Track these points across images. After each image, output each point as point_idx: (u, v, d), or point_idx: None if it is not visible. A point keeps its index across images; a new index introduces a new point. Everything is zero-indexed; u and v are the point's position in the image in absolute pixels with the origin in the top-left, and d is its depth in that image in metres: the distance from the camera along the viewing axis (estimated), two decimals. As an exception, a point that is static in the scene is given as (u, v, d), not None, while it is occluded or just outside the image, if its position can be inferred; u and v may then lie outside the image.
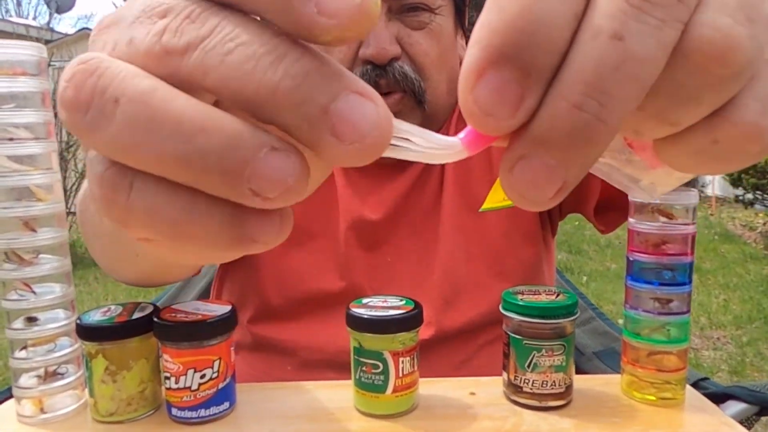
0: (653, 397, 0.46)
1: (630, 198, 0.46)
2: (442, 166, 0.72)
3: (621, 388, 0.49)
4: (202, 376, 0.44)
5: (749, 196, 4.69)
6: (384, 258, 0.69)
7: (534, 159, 0.15)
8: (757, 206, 5.18)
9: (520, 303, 0.45)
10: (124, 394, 0.45)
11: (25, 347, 0.45)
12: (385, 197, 0.70)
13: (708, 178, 6.84)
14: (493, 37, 0.14)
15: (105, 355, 0.44)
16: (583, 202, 0.68)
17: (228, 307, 0.46)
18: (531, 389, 0.45)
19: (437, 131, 0.19)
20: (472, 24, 0.61)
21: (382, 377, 0.44)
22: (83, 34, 7.68)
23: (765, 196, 4.64)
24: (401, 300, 0.47)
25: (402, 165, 0.71)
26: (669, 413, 0.46)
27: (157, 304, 0.53)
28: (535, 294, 0.47)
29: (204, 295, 1.02)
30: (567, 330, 0.46)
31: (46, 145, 0.44)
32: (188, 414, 0.44)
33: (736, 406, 0.65)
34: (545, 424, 0.44)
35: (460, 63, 0.50)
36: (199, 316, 0.44)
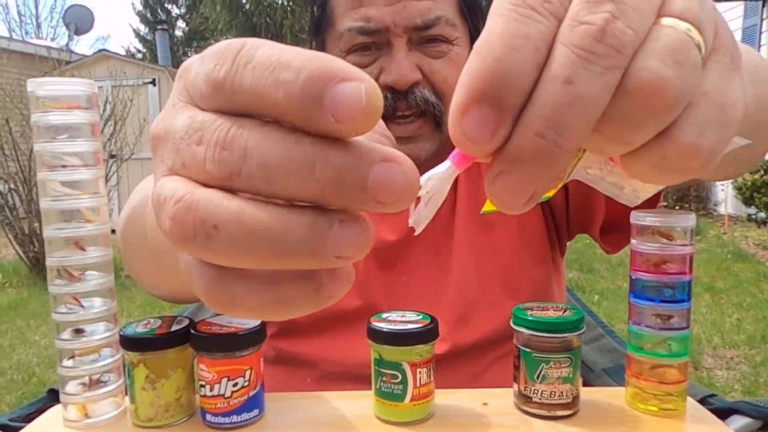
0: (656, 408, 0.49)
1: (632, 221, 0.50)
2: (455, 188, 0.76)
3: (625, 400, 0.52)
4: (235, 385, 0.47)
5: (762, 215, 4.67)
6: (400, 277, 0.73)
7: (509, 174, 0.19)
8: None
9: (530, 318, 0.49)
10: (163, 400, 0.48)
11: (72, 357, 0.49)
12: (401, 218, 0.74)
13: (720, 196, 6.80)
14: (475, 82, 0.18)
15: (146, 364, 0.48)
16: (589, 224, 0.72)
17: (257, 321, 0.49)
18: (540, 399, 0.49)
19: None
20: None
21: (400, 387, 0.47)
22: (101, 55, 7.85)
23: (778, 215, 4.63)
24: (418, 315, 0.51)
25: None
26: (671, 424, 0.49)
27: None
28: (543, 310, 0.50)
29: (224, 311, 1.06)
30: (574, 344, 0.49)
31: (94, 172, 0.49)
32: (221, 420, 0.47)
33: (740, 421, 0.67)
34: (554, 431, 0.47)
35: None
36: (232, 329, 0.48)
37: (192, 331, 0.48)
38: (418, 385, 0.48)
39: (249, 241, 0.17)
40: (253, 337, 0.48)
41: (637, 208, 0.51)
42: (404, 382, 0.47)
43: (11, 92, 4.83)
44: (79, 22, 10.57)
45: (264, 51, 0.18)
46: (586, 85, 0.18)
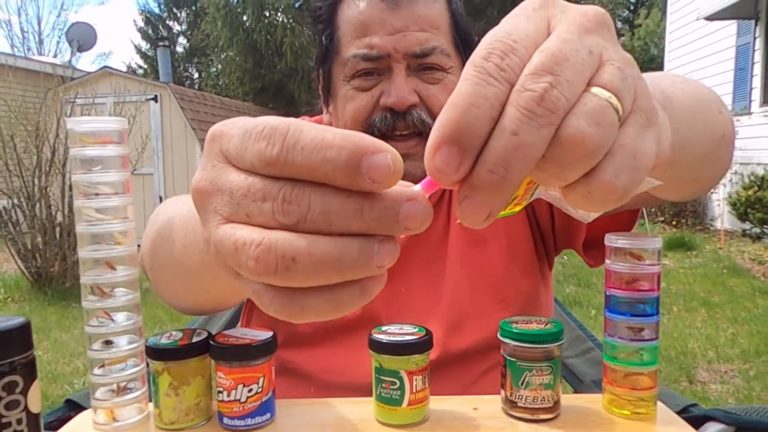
0: (629, 412, 0.55)
1: (606, 243, 0.55)
2: (449, 208, 0.82)
3: (602, 405, 0.57)
4: (249, 390, 0.52)
5: (756, 230, 4.72)
6: (398, 288, 0.79)
7: (470, 198, 0.25)
8: (766, 240, 5.21)
9: (515, 330, 0.54)
10: (184, 405, 0.54)
11: (102, 365, 0.54)
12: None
13: (717, 212, 6.87)
14: (445, 128, 0.25)
15: (169, 372, 0.53)
16: (573, 240, 0.77)
17: (270, 333, 0.55)
18: (524, 404, 0.54)
19: None
20: None
21: (398, 392, 0.53)
22: (104, 72, 7.95)
23: (772, 230, 4.68)
24: (415, 328, 0.56)
25: None
26: (643, 426, 0.54)
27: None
28: (527, 323, 0.56)
29: (230, 326, 1.11)
30: (554, 353, 0.54)
31: (124, 199, 0.54)
32: (237, 423, 0.53)
33: (714, 427, 0.72)
34: (536, 433, 0.52)
35: None
36: (247, 340, 0.53)
37: (211, 343, 0.53)
38: (414, 391, 0.53)
39: (318, 266, 0.24)
40: (265, 348, 0.53)
41: (613, 231, 0.57)
42: (402, 388, 0.53)
43: (16, 109, 4.90)
44: (82, 39, 10.68)
45: (308, 133, 0.24)
46: (528, 136, 0.24)
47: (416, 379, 0.53)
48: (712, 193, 7.27)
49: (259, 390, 0.53)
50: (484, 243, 0.80)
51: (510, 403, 0.55)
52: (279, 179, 0.25)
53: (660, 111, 0.29)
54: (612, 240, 0.54)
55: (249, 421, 0.53)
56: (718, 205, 6.75)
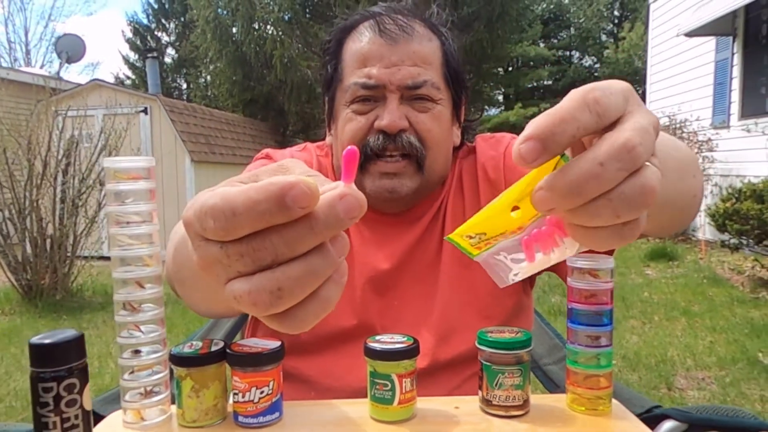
0: (587, 409, 0.63)
1: (567, 263, 0.64)
2: (443, 225, 0.90)
3: (566, 404, 0.66)
4: (261, 392, 0.61)
5: (734, 241, 4.87)
6: (392, 301, 0.87)
7: (544, 194, 0.34)
8: (744, 250, 5.37)
9: (490, 339, 0.63)
10: (204, 406, 0.62)
11: (131, 372, 0.62)
12: (395, 250, 0.88)
13: (699, 222, 7.04)
14: (538, 127, 0.32)
15: (191, 378, 0.61)
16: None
17: (278, 343, 0.63)
18: (498, 402, 0.63)
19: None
20: (468, 119, 0.86)
21: (390, 393, 0.61)
22: (94, 84, 7.99)
23: (749, 241, 4.82)
24: (404, 337, 0.65)
25: (408, 221, 0.90)
26: (599, 421, 0.63)
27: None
28: (501, 333, 0.65)
29: (231, 334, 1.19)
30: (524, 358, 0.63)
31: (151, 227, 0.63)
32: (250, 420, 0.61)
33: (669, 424, 0.81)
34: (508, 427, 0.61)
35: (454, 148, 0.79)
36: (259, 349, 0.61)
37: (228, 351, 0.61)
38: (403, 391, 0.62)
39: (299, 283, 0.30)
40: (275, 356, 0.62)
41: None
42: (393, 389, 0.61)
43: (8, 122, 4.94)
44: (71, 50, 10.71)
45: (236, 199, 0.29)
46: (610, 169, 0.32)
47: (405, 382, 0.62)
48: (693, 204, 7.44)
49: (270, 392, 0.61)
50: (472, 265, 0.89)
51: (486, 402, 0.64)
52: (243, 239, 0.30)
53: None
54: (573, 261, 0.64)
55: (261, 419, 0.61)
56: (700, 216, 6.92)
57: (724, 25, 7.04)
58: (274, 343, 0.63)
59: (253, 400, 0.61)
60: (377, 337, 0.65)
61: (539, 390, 1.08)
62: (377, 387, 0.62)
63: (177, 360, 0.61)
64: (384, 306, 0.87)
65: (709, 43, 7.68)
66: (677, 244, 7.06)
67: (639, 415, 0.72)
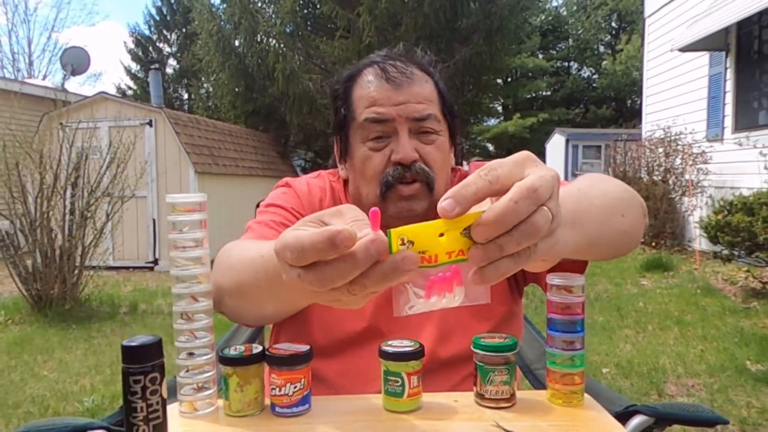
0: (561, 401, 0.77)
1: (547, 281, 0.77)
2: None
3: (546, 398, 0.79)
4: (295, 387, 0.74)
5: (726, 252, 5.00)
6: None
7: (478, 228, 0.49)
8: (737, 261, 5.50)
9: (482, 343, 0.76)
10: (247, 399, 0.75)
11: (187, 370, 0.75)
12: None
13: (694, 233, 7.17)
14: (455, 191, 0.49)
15: (237, 375, 0.74)
16: (537, 277, 1.00)
17: (308, 347, 0.76)
18: (490, 396, 0.76)
19: (436, 212, 0.52)
20: (459, 144, 1.04)
21: (400, 388, 0.74)
22: (100, 97, 8.15)
23: (741, 252, 4.96)
24: (411, 342, 0.78)
25: None
26: (573, 411, 0.76)
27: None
28: (492, 338, 0.78)
29: (250, 340, 1.33)
30: (511, 359, 0.76)
31: (203, 251, 0.76)
32: (286, 410, 0.74)
33: (639, 419, 0.94)
34: (498, 416, 0.74)
35: (451, 170, 0.98)
36: (293, 351, 0.75)
37: (267, 353, 0.75)
38: (411, 386, 0.75)
39: (350, 295, 0.48)
40: (305, 357, 0.75)
41: (554, 271, 0.79)
42: (403, 385, 0.74)
43: (21, 136, 5.09)
44: (76, 63, 10.90)
45: (305, 241, 0.48)
46: (522, 207, 0.47)
47: (413, 378, 0.75)
48: (689, 215, 7.60)
49: (301, 387, 0.74)
50: None
51: (480, 396, 0.77)
52: (311, 266, 0.49)
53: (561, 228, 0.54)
54: (551, 278, 0.77)
55: (294, 410, 0.74)
56: (695, 227, 7.06)
57: (717, 40, 7.22)
58: (304, 347, 0.76)
59: (287, 394, 0.74)
60: (389, 342, 0.78)
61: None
62: (390, 383, 0.75)
63: (225, 360, 0.75)
64: (389, 312, 1.01)
65: (703, 57, 7.86)
66: (673, 254, 7.20)
67: (617, 413, 0.85)
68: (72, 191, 5.11)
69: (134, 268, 7.82)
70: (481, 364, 0.76)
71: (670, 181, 7.89)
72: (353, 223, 0.49)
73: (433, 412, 0.76)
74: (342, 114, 1.05)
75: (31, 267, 4.92)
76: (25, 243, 4.94)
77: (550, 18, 27.82)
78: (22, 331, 4.57)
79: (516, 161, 0.52)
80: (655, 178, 8.02)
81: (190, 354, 0.76)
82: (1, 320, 4.89)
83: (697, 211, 7.28)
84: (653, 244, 7.66)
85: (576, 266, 0.95)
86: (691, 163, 7.54)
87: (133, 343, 0.61)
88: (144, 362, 0.60)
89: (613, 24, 28.08)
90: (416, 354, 0.76)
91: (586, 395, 0.79)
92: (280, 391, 0.74)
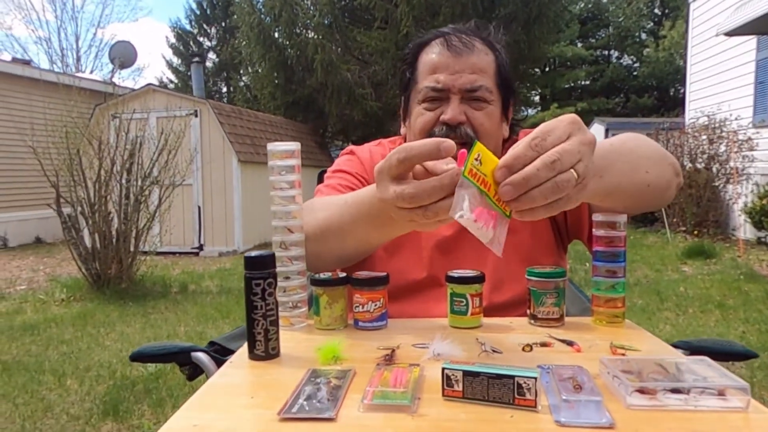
0: (604, 323, 0.88)
1: (593, 218, 0.89)
2: None
3: (591, 321, 0.90)
4: (375, 305, 0.88)
5: (770, 237, 4.93)
6: (453, 260, 1.13)
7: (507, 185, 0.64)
8: (782, 248, 5.41)
9: (536, 271, 0.88)
10: (335, 314, 0.89)
11: (284, 291, 0.90)
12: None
13: (739, 222, 7.05)
14: (506, 159, 0.63)
15: (327, 294, 0.89)
16: (580, 232, 1.12)
17: (385, 273, 0.90)
18: (542, 316, 0.88)
19: None
20: (515, 119, 1.19)
21: (465, 307, 0.87)
22: (148, 89, 8.48)
23: (786, 237, 4.89)
24: (474, 271, 0.91)
25: None
26: (614, 330, 0.87)
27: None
28: (543, 268, 0.90)
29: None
30: (560, 285, 0.88)
31: (296, 191, 0.90)
32: (367, 324, 0.88)
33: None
34: (548, 335, 0.86)
35: (502, 141, 1.16)
36: (374, 275, 0.88)
37: (351, 277, 0.89)
38: (474, 306, 0.88)
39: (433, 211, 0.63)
40: (384, 279, 0.89)
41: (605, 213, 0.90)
42: (467, 304, 0.87)
43: (82, 126, 5.39)
44: (124, 57, 11.33)
45: (413, 146, 0.64)
46: (545, 171, 0.61)
47: (475, 299, 0.88)
48: (733, 203, 7.46)
49: (380, 305, 0.88)
50: (516, 232, 1.15)
51: (533, 317, 0.89)
52: (406, 184, 0.64)
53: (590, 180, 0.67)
54: (596, 216, 0.88)
55: (375, 324, 0.88)
56: (740, 215, 6.94)
57: (765, 23, 7.04)
58: (382, 273, 0.90)
59: (369, 311, 0.88)
60: (455, 271, 0.91)
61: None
62: (455, 303, 0.88)
63: (317, 282, 0.89)
64: (447, 263, 1.13)
65: (751, 42, 7.68)
66: (716, 243, 7.09)
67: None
68: (127, 177, 5.40)
69: (180, 253, 8.15)
70: (534, 289, 0.89)
71: (714, 169, 7.75)
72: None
73: (492, 329, 0.89)
74: (407, 77, 1.18)
75: (91, 248, 5.23)
76: (85, 225, 5.25)
77: (590, 5, 27.26)
78: (84, 307, 4.88)
79: (564, 129, 0.64)
80: (698, 165, 7.89)
81: (287, 278, 0.90)
82: (64, 297, 5.22)
83: (741, 199, 7.14)
84: (695, 232, 7.56)
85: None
86: (736, 149, 7.40)
87: (253, 254, 0.76)
88: (262, 269, 0.75)
89: (656, 11, 27.32)
90: (478, 279, 0.88)
91: (628, 321, 0.90)
92: (362, 308, 0.88)
